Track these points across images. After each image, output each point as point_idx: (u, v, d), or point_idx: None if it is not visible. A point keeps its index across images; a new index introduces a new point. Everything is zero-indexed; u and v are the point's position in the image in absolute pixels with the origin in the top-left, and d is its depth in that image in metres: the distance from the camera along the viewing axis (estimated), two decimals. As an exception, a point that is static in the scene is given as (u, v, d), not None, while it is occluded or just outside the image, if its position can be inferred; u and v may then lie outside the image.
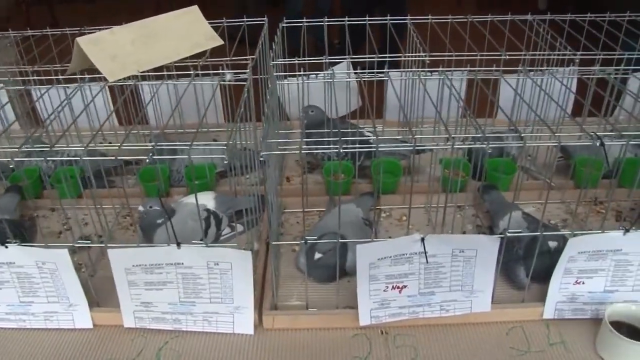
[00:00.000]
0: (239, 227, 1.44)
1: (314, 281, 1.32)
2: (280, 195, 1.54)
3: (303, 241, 1.17)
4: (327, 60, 1.44)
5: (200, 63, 1.43)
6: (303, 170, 1.59)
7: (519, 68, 1.63)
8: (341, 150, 1.04)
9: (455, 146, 1.13)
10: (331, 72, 1.43)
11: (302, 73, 1.49)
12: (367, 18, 1.70)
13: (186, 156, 1.06)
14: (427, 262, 1.14)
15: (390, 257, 1.15)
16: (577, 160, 1.56)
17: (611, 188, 1.54)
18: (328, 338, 1.22)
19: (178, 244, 1.14)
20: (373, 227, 1.41)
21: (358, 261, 1.13)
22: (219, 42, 1.50)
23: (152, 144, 1.06)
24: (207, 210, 1.40)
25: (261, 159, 1.05)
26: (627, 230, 1.16)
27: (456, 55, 1.61)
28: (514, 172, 1.55)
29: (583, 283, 1.23)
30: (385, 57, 1.60)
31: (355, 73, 1.43)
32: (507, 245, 1.32)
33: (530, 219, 1.37)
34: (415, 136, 1.10)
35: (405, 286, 1.19)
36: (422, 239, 1.13)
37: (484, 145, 1.10)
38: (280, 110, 1.67)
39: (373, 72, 1.48)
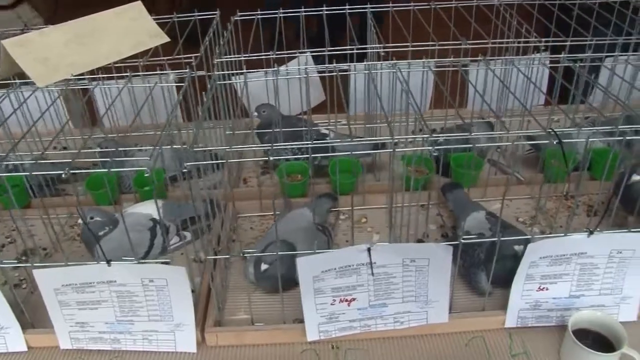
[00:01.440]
0: (188, 236, 1.33)
1: (264, 292, 1.22)
2: (235, 199, 1.43)
3: (241, 254, 1.07)
4: (273, 56, 1.32)
5: (141, 63, 1.32)
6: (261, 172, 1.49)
7: (479, 58, 1.51)
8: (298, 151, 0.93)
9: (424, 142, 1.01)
10: (276, 69, 1.31)
11: (264, 70, 1.37)
12: (346, 7, 1.59)
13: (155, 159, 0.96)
14: (372, 274, 1.04)
15: (335, 269, 1.04)
16: (546, 153, 1.44)
17: (579, 181, 1.42)
18: (275, 355, 1.12)
19: (108, 262, 1.04)
20: (329, 231, 1.30)
21: (300, 275, 1.03)
22: (165, 39, 1.39)
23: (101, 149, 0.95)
24: (153, 219, 1.30)
25: (184, 169, 0.94)
26: (591, 232, 1.05)
27: (412, 46, 1.49)
28: (480, 167, 1.43)
29: (547, 289, 1.12)
30: (345, 49, 1.47)
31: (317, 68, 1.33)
32: (468, 250, 1.22)
33: (493, 220, 1.26)
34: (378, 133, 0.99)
35: (354, 299, 1.09)
36: (369, 249, 1.02)
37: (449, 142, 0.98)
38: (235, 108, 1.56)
39: (325, 67, 1.37)
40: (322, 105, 1.69)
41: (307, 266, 1.03)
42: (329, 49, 1.46)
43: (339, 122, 1.63)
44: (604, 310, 1.14)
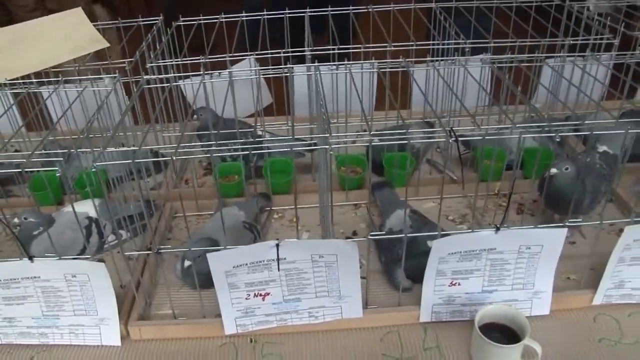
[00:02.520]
0: (124, 234, 1.36)
1: (191, 288, 1.25)
2: (173, 199, 1.46)
3: (155, 251, 1.10)
4: (206, 60, 1.35)
5: (78, 68, 1.35)
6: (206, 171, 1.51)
7: (427, 59, 1.53)
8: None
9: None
10: (210, 72, 1.34)
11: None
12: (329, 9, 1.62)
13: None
14: (278, 269, 1.06)
15: (247, 264, 1.07)
16: (477, 153, 1.46)
17: (511, 179, 1.43)
18: (196, 348, 1.15)
19: (30, 258, 1.07)
20: (257, 230, 1.32)
21: (212, 270, 1.06)
22: (104, 44, 1.42)
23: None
24: (89, 218, 1.33)
25: (93, 169, 0.97)
26: (498, 229, 1.07)
27: (364, 48, 1.51)
28: (411, 167, 1.45)
29: (459, 284, 1.14)
30: (295, 50, 1.50)
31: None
32: (388, 246, 1.24)
33: (415, 218, 1.28)
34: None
35: (268, 293, 1.11)
36: (277, 245, 1.05)
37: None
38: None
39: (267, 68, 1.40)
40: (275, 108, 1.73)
41: (218, 261, 1.05)
42: (284, 50, 1.50)
43: (285, 123, 1.66)
44: (517, 305, 1.16)
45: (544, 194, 1.32)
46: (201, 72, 1.26)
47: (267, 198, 1.42)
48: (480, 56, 1.60)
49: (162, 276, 1.29)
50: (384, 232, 1.23)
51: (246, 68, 1.56)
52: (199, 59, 1.35)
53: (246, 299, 1.11)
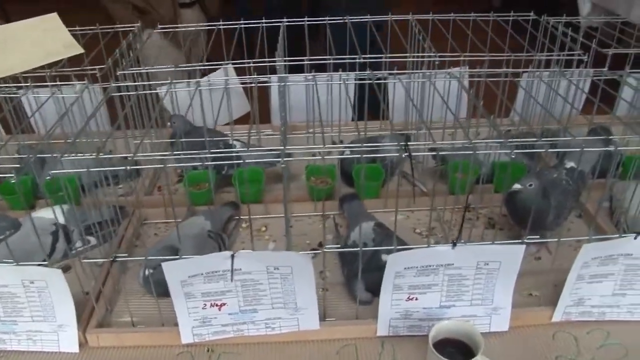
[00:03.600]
0: (93, 241, 1.36)
1: (153, 296, 1.24)
2: (144, 206, 1.46)
3: (111, 259, 1.09)
4: (173, 69, 1.35)
5: (49, 73, 1.35)
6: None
7: (406, 71, 1.53)
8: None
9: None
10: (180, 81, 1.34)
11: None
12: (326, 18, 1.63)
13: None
14: (231, 280, 1.05)
15: (203, 274, 1.06)
16: (449, 166, 1.45)
17: (478, 193, 1.43)
18: (154, 356, 1.14)
19: (-16, 264, 1.07)
20: (223, 239, 1.32)
21: (168, 279, 1.05)
22: (78, 50, 1.42)
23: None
24: (56, 224, 1.33)
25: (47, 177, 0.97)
26: (454, 244, 1.06)
27: (334, 59, 1.51)
28: (380, 179, 1.44)
29: (416, 299, 1.12)
30: (264, 61, 1.50)
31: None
32: (350, 259, 1.23)
33: (379, 231, 1.27)
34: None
35: (224, 304, 1.11)
36: (232, 256, 1.04)
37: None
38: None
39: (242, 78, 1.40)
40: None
41: (173, 271, 1.05)
42: (254, 60, 1.50)
43: (262, 132, 1.66)
44: (475, 321, 1.15)
45: (510, 210, 1.31)
46: (169, 82, 1.26)
47: (235, 207, 1.42)
48: (449, 70, 1.59)
49: (126, 283, 1.29)
50: (339, 245, 1.22)
51: (220, 77, 1.55)
52: (169, 68, 1.35)
53: (203, 308, 1.11)
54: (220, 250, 1.29)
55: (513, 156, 0.99)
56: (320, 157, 1.09)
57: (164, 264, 1.03)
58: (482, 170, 1.46)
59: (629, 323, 1.19)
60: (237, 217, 1.43)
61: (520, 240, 1.10)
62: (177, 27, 1.64)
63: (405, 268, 1.07)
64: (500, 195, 1.44)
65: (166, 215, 1.44)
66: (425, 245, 1.07)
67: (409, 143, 1.01)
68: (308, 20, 1.65)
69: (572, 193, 1.29)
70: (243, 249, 1.36)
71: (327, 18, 1.60)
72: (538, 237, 1.13)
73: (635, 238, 1.10)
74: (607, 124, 1.45)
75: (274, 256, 1.07)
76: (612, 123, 1.50)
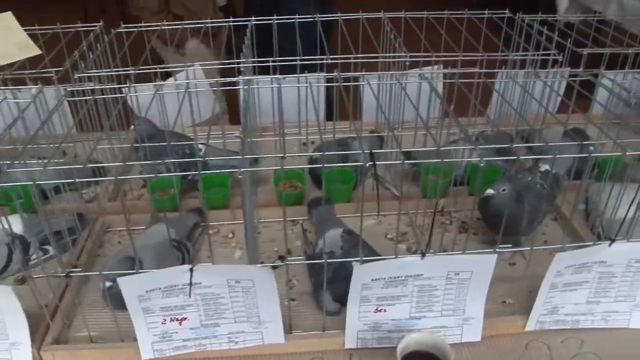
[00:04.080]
0: (52, 251, 1.30)
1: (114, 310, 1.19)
2: (108, 213, 1.40)
3: (64, 274, 1.04)
4: (136, 71, 1.28)
5: (3, 76, 1.29)
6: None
7: (372, 72, 1.48)
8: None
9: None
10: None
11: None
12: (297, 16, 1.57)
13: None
14: (189, 295, 1.00)
15: (161, 288, 1.01)
16: (422, 168, 1.41)
17: (452, 196, 1.39)
18: (113, 373, 1.09)
19: None
20: (187, 247, 1.26)
21: (124, 295, 1.00)
22: (35, 51, 1.36)
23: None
24: (12, 234, 1.27)
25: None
26: (423, 255, 1.01)
27: (280, 61, 1.47)
28: (351, 182, 1.39)
29: (385, 310, 1.08)
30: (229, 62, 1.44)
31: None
32: (317, 268, 1.18)
33: (347, 238, 1.22)
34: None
35: (185, 318, 1.06)
36: (191, 270, 0.99)
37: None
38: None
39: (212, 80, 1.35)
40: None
41: (129, 286, 1.00)
42: (210, 62, 1.45)
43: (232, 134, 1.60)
44: (447, 332, 1.11)
45: (483, 215, 1.27)
46: (127, 85, 1.20)
47: (201, 213, 1.36)
48: (419, 70, 1.55)
49: (87, 295, 1.23)
50: (304, 255, 1.18)
51: (185, 78, 1.50)
52: (128, 70, 1.29)
53: (162, 323, 1.05)
54: (183, 259, 1.24)
55: (482, 164, 0.94)
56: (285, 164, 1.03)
57: (119, 279, 0.98)
58: (455, 172, 1.42)
59: (604, 330, 1.15)
60: (203, 224, 1.37)
61: (492, 249, 1.06)
62: (160, 26, 1.55)
63: (372, 280, 1.03)
64: (474, 198, 1.40)
65: (131, 223, 1.38)
66: (393, 256, 1.02)
67: (374, 150, 0.96)
68: (276, 19, 1.60)
69: (547, 197, 1.25)
70: (209, 257, 1.32)
71: (297, 17, 1.55)
72: (510, 245, 1.09)
73: (609, 245, 1.07)
74: (582, 126, 1.41)
75: (235, 270, 1.02)
76: (588, 124, 1.47)
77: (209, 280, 1.01)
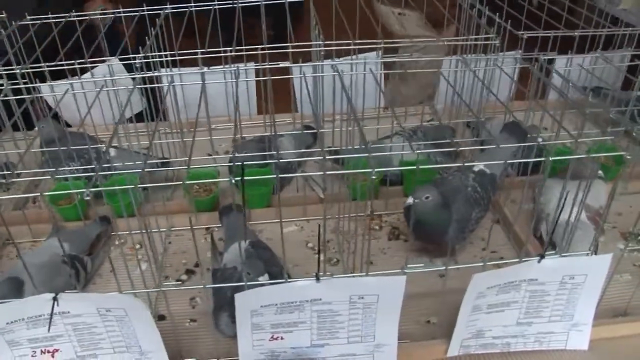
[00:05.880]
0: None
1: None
2: (11, 223, 1.27)
3: None
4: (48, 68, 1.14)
5: None
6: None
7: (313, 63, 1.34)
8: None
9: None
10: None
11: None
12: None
13: None
14: (49, 329, 0.88)
15: (24, 319, 0.89)
16: (347, 167, 1.25)
17: (384, 198, 1.24)
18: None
19: None
20: (83, 263, 1.13)
21: (-18, 327, 0.88)
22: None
23: None
24: None
25: None
26: (317, 278, 0.87)
27: (245, 50, 1.34)
28: (270, 184, 1.25)
29: (282, 338, 0.95)
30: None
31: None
32: (217, 287, 1.05)
33: (250, 252, 1.07)
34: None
35: (57, 350, 0.93)
36: (54, 298, 0.86)
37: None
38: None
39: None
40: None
41: (-14, 318, 0.88)
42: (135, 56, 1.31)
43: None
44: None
45: (408, 223, 1.13)
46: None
47: (107, 222, 1.23)
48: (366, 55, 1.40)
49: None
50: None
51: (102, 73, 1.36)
52: (42, 67, 1.15)
53: (32, 356, 0.93)
54: (78, 276, 1.11)
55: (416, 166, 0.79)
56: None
57: (-28, 313, 0.86)
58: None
59: (539, 353, 1.02)
60: (109, 234, 1.24)
61: (399, 270, 0.92)
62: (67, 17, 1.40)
63: (262, 306, 0.90)
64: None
65: (31, 234, 1.25)
66: (283, 281, 0.89)
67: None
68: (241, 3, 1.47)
69: (479, 201, 1.10)
70: (111, 271, 1.19)
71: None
72: (422, 264, 0.95)
73: (539, 261, 0.92)
74: (519, 121, 1.24)
75: (103, 298, 0.88)
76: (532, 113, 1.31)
77: (77, 309, 0.88)
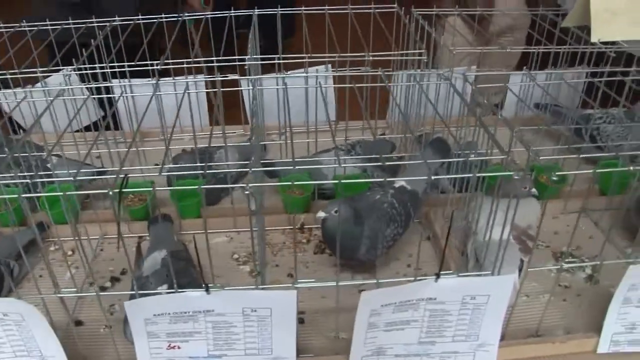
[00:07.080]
0: None
1: None
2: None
3: None
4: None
5: None
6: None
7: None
8: None
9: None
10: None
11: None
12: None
13: None
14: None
15: None
16: (281, 180, 1.26)
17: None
18: None
19: None
20: (9, 267, 1.16)
21: None
22: None
23: None
24: None
25: None
26: (207, 290, 0.88)
27: (217, 62, 1.35)
28: (198, 195, 1.26)
29: (179, 347, 0.96)
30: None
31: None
32: (133, 295, 1.06)
33: (166, 261, 1.08)
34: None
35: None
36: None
37: None
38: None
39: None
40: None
41: None
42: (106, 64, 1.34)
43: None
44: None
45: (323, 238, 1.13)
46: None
47: (42, 229, 1.26)
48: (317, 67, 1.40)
49: None
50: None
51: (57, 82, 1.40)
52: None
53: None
54: (2, 281, 1.14)
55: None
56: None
57: None
58: (325, 185, 1.27)
59: (445, 373, 1.00)
60: (47, 239, 1.26)
61: (290, 284, 0.92)
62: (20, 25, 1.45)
63: (154, 315, 0.91)
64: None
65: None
66: (175, 291, 0.90)
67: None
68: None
69: (396, 217, 1.09)
70: (41, 276, 1.22)
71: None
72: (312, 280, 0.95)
73: (435, 281, 0.91)
74: (444, 137, 1.23)
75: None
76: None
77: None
